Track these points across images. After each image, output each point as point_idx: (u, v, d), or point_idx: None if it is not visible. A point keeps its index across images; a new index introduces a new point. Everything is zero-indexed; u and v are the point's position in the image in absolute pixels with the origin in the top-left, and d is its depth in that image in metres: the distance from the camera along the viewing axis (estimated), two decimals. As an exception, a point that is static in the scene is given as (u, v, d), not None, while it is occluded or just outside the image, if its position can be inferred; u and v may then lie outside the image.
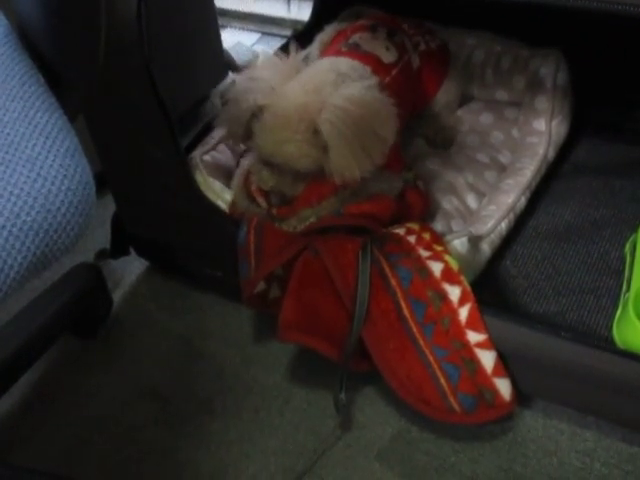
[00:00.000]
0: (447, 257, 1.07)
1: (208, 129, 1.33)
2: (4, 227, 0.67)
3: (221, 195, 1.22)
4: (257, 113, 1.06)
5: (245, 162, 1.23)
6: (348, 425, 1.17)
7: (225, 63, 1.78)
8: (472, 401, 1.03)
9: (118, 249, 1.41)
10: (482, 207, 1.28)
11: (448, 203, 1.29)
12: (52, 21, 0.85)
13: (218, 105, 1.11)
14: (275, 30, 2.09)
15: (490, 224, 1.20)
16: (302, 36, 1.53)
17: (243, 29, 2.13)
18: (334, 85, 1.06)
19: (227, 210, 1.21)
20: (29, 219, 0.68)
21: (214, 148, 1.31)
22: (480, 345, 1.03)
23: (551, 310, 1.18)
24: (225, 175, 1.27)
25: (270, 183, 1.11)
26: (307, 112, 1.03)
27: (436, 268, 1.05)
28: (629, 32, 1.28)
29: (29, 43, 0.87)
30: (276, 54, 1.15)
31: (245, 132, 1.10)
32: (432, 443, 1.14)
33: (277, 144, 1.05)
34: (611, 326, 1.13)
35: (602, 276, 1.22)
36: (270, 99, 1.05)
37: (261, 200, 1.16)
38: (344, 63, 1.16)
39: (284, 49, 1.20)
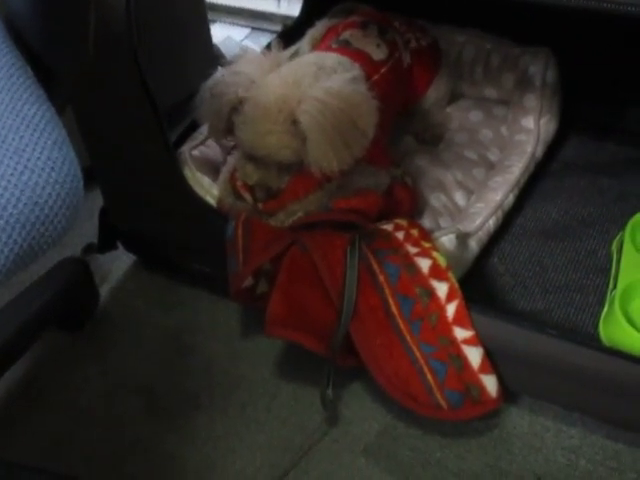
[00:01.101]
0: (435, 254, 1.07)
1: (197, 124, 1.33)
2: (-10, 219, 0.67)
3: (209, 190, 1.22)
4: (238, 106, 1.07)
5: (231, 159, 1.23)
6: (334, 421, 1.17)
7: (215, 58, 1.77)
8: (458, 397, 1.03)
9: (106, 243, 1.40)
10: (470, 204, 1.28)
11: (436, 200, 1.29)
12: (40, 12, 0.84)
13: (207, 100, 1.11)
14: (265, 25, 2.09)
15: (478, 221, 1.21)
16: (292, 32, 1.53)
17: (233, 24, 2.12)
18: (314, 77, 1.06)
19: (215, 205, 1.21)
20: (16, 212, 0.67)
21: (203, 143, 1.31)
22: (467, 342, 1.03)
23: (538, 307, 1.19)
24: (213, 170, 1.27)
25: (255, 177, 1.11)
26: (286, 103, 1.03)
27: (424, 264, 1.06)
28: (619, 31, 1.28)
29: (17, 34, 0.86)
30: (262, 51, 1.15)
31: (226, 126, 1.10)
32: (418, 439, 1.14)
33: (258, 136, 1.06)
34: (597, 324, 1.13)
35: (589, 274, 1.23)
36: (250, 92, 1.05)
37: (247, 195, 1.16)
38: (331, 58, 1.16)
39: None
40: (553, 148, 1.42)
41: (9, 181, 0.69)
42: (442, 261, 1.06)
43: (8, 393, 1.25)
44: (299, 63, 1.12)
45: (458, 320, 1.03)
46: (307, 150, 1.04)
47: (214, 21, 2.09)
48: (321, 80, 1.06)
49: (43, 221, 0.69)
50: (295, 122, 1.03)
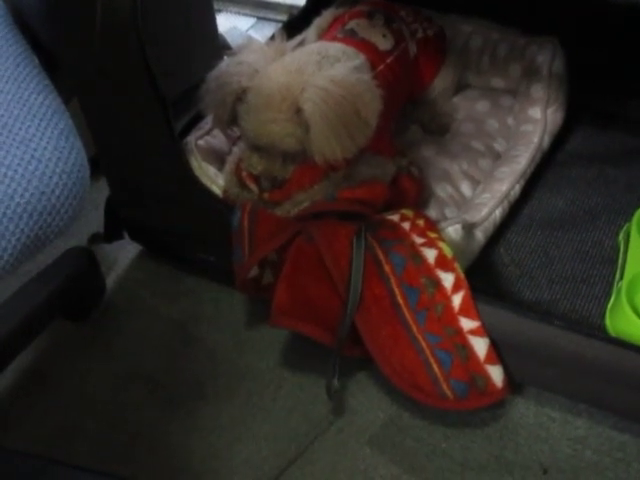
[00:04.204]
0: (441, 244, 1.07)
1: (202, 114, 1.33)
2: (-2, 209, 0.67)
3: (215, 180, 1.22)
4: (241, 96, 1.07)
5: (237, 149, 1.23)
6: (340, 411, 1.17)
7: (220, 48, 1.77)
8: (464, 387, 1.03)
9: (112, 233, 1.40)
10: (476, 195, 1.28)
11: (442, 190, 1.29)
12: (47, 2, 0.85)
13: (212, 89, 1.11)
14: (271, 15, 2.08)
15: (484, 212, 1.21)
16: (298, 21, 1.52)
17: (239, 13, 2.12)
18: (317, 66, 1.06)
19: (221, 195, 1.21)
20: (23, 201, 0.68)
21: (208, 133, 1.31)
22: (473, 332, 1.03)
23: (544, 298, 1.19)
24: (219, 160, 1.27)
25: (259, 167, 1.12)
26: (289, 91, 1.03)
27: (430, 255, 1.05)
28: (625, 20, 1.27)
29: (24, 24, 0.87)
30: (266, 41, 1.15)
31: (230, 115, 1.10)
32: (423, 429, 1.14)
33: (261, 124, 1.06)
34: (604, 314, 1.13)
35: (595, 265, 1.22)
36: (253, 81, 1.05)
37: (252, 186, 1.16)
38: (335, 47, 1.16)
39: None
40: (560, 138, 1.41)
41: (16, 171, 0.69)
42: (448, 251, 1.06)
43: (15, 381, 1.25)
44: (302, 52, 1.13)
45: (464, 310, 1.03)
46: (310, 138, 1.04)
47: (220, 11, 2.08)
48: (324, 69, 1.06)
49: (50, 211, 0.70)
50: (298, 110, 1.04)
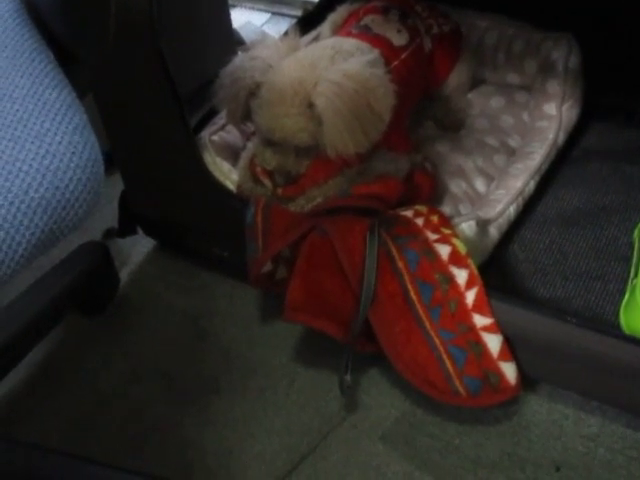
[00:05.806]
0: (455, 240, 1.06)
1: (217, 109, 1.33)
2: (12, 203, 0.67)
3: (229, 175, 1.22)
4: (254, 90, 1.07)
5: (251, 145, 1.24)
6: (353, 406, 1.17)
7: (235, 43, 1.77)
8: (477, 384, 1.03)
9: (126, 228, 1.41)
10: (491, 191, 1.28)
11: (456, 187, 1.28)
12: (62, -3, 0.85)
13: (226, 85, 1.11)
14: (285, 10, 2.08)
15: (498, 208, 1.20)
16: (312, 16, 1.52)
17: (253, 9, 2.12)
18: (331, 60, 1.06)
19: (235, 190, 1.21)
20: (37, 196, 0.68)
21: (222, 128, 1.31)
22: (486, 329, 1.03)
23: (558, 295, 1.18)
24: (233, 155, 1.27)
25: (273, 162, 1.12)
26: (302, 86, 1.04)
27: (444, 251, 1.05)
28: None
29: (39, 19, 0.87)
30: (279, 37, 1.16)
31: (244, 111, 1.11)
32: (436, 426, 1.14)
33: (274, 119, 1.06)
34: (618, 312, 1.13)
35: (610, 262, 1.22)
36: (267, 76, 1.06)
37: (266, 181, 1.16)
38: (349, 43, 1.16)
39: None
40: (575, 135, 1.41)
41: (31, 165, 0.69)
42: (462, 248, 1.06)
43: (28, 376, 1.26)
44: (316, 47, 1.13)
45: (477, 307, 1.03)
46: (323, 133, 1.05)
47: (234, 6, 2.08)
48: (337, 63, 1.06)
49: (64, 205, 0.70)
50: (311, 105, 1.04)
